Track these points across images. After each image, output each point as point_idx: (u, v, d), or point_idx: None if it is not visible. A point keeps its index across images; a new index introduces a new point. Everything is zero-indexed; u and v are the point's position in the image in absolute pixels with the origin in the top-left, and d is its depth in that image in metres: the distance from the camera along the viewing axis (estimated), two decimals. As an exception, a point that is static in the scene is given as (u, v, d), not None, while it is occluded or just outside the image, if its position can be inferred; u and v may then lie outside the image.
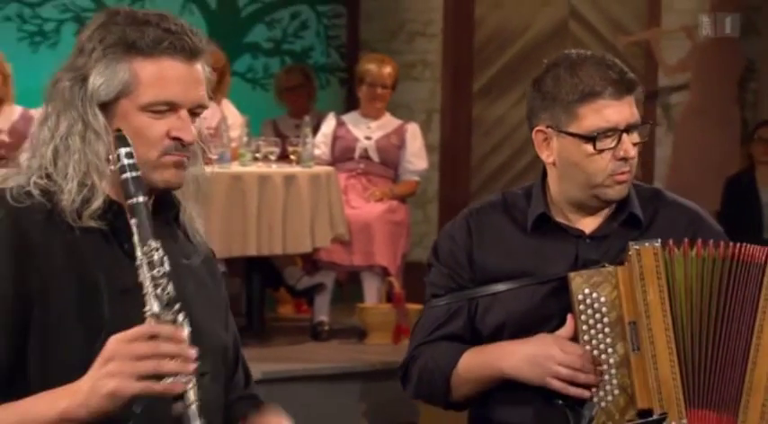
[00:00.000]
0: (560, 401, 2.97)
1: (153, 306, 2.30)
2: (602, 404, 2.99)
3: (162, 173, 2.44)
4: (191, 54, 2.43)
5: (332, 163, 7.26)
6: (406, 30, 9.48)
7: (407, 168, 7.50)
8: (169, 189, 2.50)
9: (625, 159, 2.96)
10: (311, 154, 7.04)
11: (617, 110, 2.96)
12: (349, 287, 7.70)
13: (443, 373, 3.08)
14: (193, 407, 2.28)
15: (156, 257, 2.33)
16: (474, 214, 3.24)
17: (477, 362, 3.06)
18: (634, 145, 2.98)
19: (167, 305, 2.32)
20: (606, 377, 2.97)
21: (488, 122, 9.47)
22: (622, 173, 2.99)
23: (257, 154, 6.97)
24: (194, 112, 2.43)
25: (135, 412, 2.32)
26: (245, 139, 7.19)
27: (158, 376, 2.23)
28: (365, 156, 7.42)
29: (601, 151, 2.95)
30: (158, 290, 2.31)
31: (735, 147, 8.48)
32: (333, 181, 6.88)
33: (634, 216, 3.08)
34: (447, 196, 9.20)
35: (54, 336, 2.41)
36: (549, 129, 3.01)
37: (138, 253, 2.33)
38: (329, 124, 7.55)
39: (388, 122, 7.55)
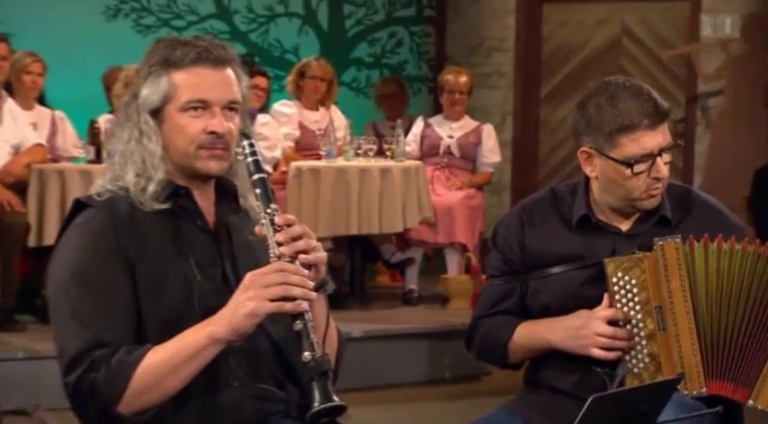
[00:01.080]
0: (599, 369, 2.92)
1: (274, 249, 2.40)
2: (634, 370, 2.91)
3: (202, 163, 2.49)
4: (217, 62, 2.49)
5: (420, 158, 7.28)
6: (485, 46, 9.42)
7: (483, 161, 7.51)
8: (211, 176, 2.54)
9: (659, 179, 2.92)
10: (403, 151, 7.10)
11: (652, 138, 2.88)
12: (435, 260, 7.68)
13: (501, 341, 3.03)
14: (310, 324, 2.37)
15: (276, 216, 2.43)
16: (526, 207, 3.16)
17: (529, 334, 3.00)
18: (666, 164, 2.92)
19: (277, 251, 2.39)
20: (638, 347, 2.91)
21: (553, 123, 9.37)
22: (656, 189, 2.94)
23: (359, 151, 7.03)
24: (230, 108, 2.50)
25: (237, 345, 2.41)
26: (348, 138, 7.23)
27: (286, 299, 2.34)
28: (448, 152, 7.44)
29: (637, 173, 2.89)
30: (277, 237, 2.40)
31: (763, 144, 8.33)
32: (421, 173, 6.94)
33: (665, 218, 3.00)
34: (518, 185, 9.14)
35: (157, 287, 2.43)
36: (592, 150, 2.94)
37: (263, 213, 2.43)
38: (418, 125, 7.57)
39: (467, 123, 7.55)
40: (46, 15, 8.12)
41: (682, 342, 2.88)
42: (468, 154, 7.50)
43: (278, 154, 7.08)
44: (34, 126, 6.77)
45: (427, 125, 7.61)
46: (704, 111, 8.79)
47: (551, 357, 2.99)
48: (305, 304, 2.36)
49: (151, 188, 2.46)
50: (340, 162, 7.00)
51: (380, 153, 7.15)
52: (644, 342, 2.89)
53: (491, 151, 7.56)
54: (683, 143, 8.85)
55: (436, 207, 7.05)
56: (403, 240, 7.26)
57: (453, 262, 7.27)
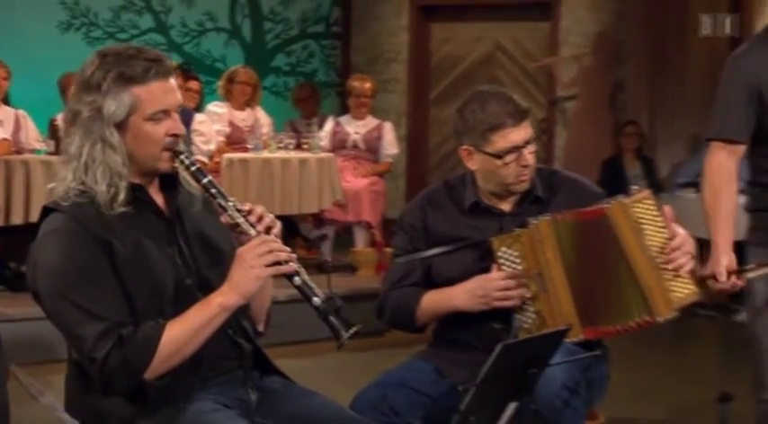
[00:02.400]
0: (496, 325, 2.94)
1: (250, 230, 2.40)
2: (524, 325, 2.92)
3: (164, 164, 2.44)
4: (168, 72, 2.41)
5: (332, 151, 7.27)
6: (383, 57, 9.43)
7: (384, 153, 7.53)
8: (168, 173, 2.48)
9: (525, 166, 2.95)
10: (318, 145, 7.13)
11: (517, 134, 2.92)
12: (344, 236, 7.71)
13: (410, 309, 3.02)
14: (305, 277, 2.38)
15: (237, 204, 2.42)
16: (426, 196, 3.17)
17: (435, 301, 3.00)
18: (530, 153, 2.96)
19: (255, 228, 2.40)
20: (525, 306, 2.93)
21: (440, 121, 9.36)
22: (525, 175, 2.97)
23: (280, 145, 7.05)
24: (177, 112, 2.44)
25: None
26: (272, 134, 7.25)
27: (278, 263, 2.34)
28: (355, 146, 7.44)
29: (507, 163, 2.92)
30: (250, 221, 2.41)
31: (607, 139, 8.48)
32: (333, 163, 6.96)
33: (538, 197, 3.03)
34: (411, 173, 9.20)
35: (135, 269, 2.37)
36: (471, 148, 2.97)
37: (227, 203, 2.41)
38: (329, 124, 7.56)
39: (371, 122, 7.56)
40: (8, 28, 7.94)
41: (560, 300, 2.89)
42: (372, 147, 7.51)
43: (213, 147, 7.04)
44: (0, 123, 6.64)
45: (337, 123, 7.60)
46: (562, 113, 8.90)
47: (455, 316, 2.98)
48: (295, 265, 2.37)
49: (121, 196, 2.38)
50: (265, 154, 6.99)
51: (298, 146, 7.16)
52: (529, 303, 2.90)
53: (390, 144, 7.59)
54: (545, 138, 9.02)
55: (346, 192, 7.06)
56: (318, 219, 7.29)
57: (360, 237, 7.31)
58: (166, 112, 2.41)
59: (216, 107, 7.46)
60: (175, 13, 9.16)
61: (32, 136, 6.81)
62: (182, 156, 2.43)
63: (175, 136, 2.42)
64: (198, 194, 2.54)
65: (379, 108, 8.11)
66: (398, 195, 8.97)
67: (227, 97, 7.41)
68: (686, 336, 6.28)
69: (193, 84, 7.25)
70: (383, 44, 9.50)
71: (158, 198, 2.51)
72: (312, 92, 8.54)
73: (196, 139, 6.83)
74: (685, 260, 2.84)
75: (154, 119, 2.40)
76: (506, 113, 2.92)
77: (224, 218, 2.46)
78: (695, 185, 7.41)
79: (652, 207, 2.89)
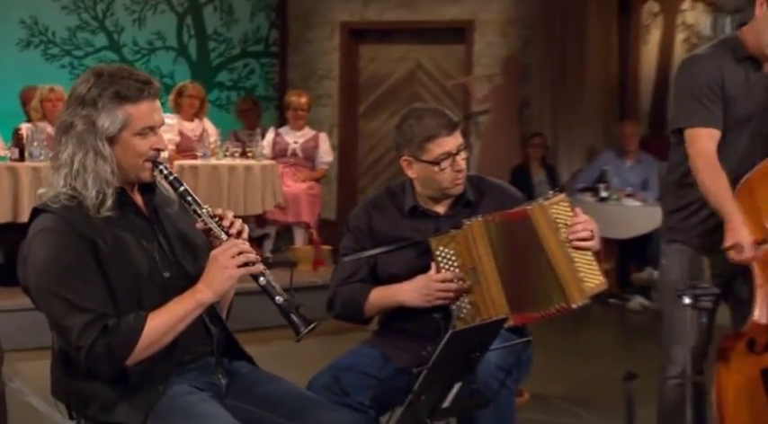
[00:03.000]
0: (435, 315, 2.94)
1: (221, 235, 2.41)
2: (461, 315, 2.92)
3: (145, 173, 2.43)
4: (156, 95, 2.43)
5: (273, 158, 7.23)
6: (317, 75, 9.40)
7: (320, 161, 7.52)
8: (148, 181, 2.47)
9: (459, 170, 2.97)
10: (261, 153, 7.08)
11: (450, 142, 2.93)
12: (284, 234, 7.67)
13: (359, 304, 3.01)
14: (270, 277, 2.41)
15: (210, 210, 2.45)
16: (371, 202, 3.17)
17: (382, 296, 3.00)
18: (462, 159, 2.97)
19: (227, 233, 2.42)
20: (461, 298, 2.93)
21: (368, 132, 9.43)
22: (459, 179, 2.99)
23: (227, 153, 6.99)
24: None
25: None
26: (219, 143, 7.17)
27: (248, 264, 2.36)
28: (294, 154, 7.41)
29: (443, 169, 2.94)
30: (222, 226, 2.43)
31: (516, 149, 8.49)
32: (274, 170, 6.93)
33: (468, 200, 3.04)
34: (342, 178, 9.17)
35: (118, 264, 2.36)
36: (410, 158, 2.98)
37: (201, 210, 2.43)
38: (270, 134, 7.53)
39: (307, 132, 7.53)
40: None
41: (492, 291, 2.91)
42: (309, 155, 7.50)
43: (165, 155, 6.90)
44: (-34, 133, 6.55)
45: (277, 134, 7.57)
46: (476, 125, 8.90)
47: (400, 308, 2.98)
48: (261, 266, 2.39)
49: (109, 202, 2.37)
50: (213, 161, 6.93)
51: (243, 154, 7.10)
52: (465, 295, 2.92)
53: (326, 153, 7.59)
54: (462, 149, 9.03)
55: (286, 195, 7.03)
56: (261, 219, 7.24)
57: (299, 236, 7.29)
58: (153, 129, 2.42)
59: (166, 118, 7.27)
60: (127, 32, 9.00)
61: (-3, 144, 6.66)
62: (161, 167, 2.44)
63: (158, 150, 2.43)
64: (174, 197, 2.54)
65: (314, 120, 8.09)
66: (331, 198, 8.99)
67: (177, 109, 7.31)
68: (584, 321, 6.38)
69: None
70: (316, 63, 9.47)
71: (138, 200, 2.50)
72: (253, 105, 8.50)
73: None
74: (588, 235, 2.88)
75: (142, 134, 2.39)
76: (440, 125, 2.93)
77: (199, 224, 2.47)
78: (592, 189, 7.58)
79: (567, 209, 2.94)
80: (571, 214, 2.94)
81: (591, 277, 2.90)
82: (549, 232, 2.91)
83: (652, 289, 7.26)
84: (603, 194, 7.29)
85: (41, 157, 6.22)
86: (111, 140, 2.37)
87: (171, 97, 7.43)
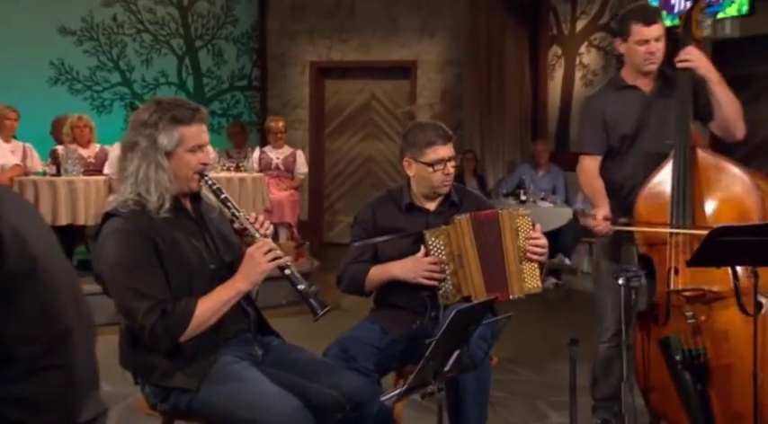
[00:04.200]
0: (423, 293, 2.92)
1: (255, 234, 2.42)
2: (446, 295, 2.90)
3: (194, 183, 2.43)
4: (203, 119, 2.42)
5: (260, 171, 7.12)
6: (291, 104, 9.32)
7: (298, 173, 7.46)
8: (196, 190, 2.47)
9: (448, 174, 2.95)
10: (251, 167, 6.96)
11: (444, 150, 2.92)
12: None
13: (361, 279, 2.98)
14: (294, 270, 2.41)
15: (245, 214, 2.46)
16: (375, 201, 3.13)
17: (380, 272, 2.97)
18: (452, 166, 2.95)
19: (259, 233, 2.43)
20: (447, 280, 2.91)
21: (332, 150, 9.38)
22: (447, 181, 2.96)
23: (224, 167, 6.87)
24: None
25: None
26: (216, 160, 6.93)
27: (276, 259, 2.37)
28: (277, 168, 7.34)
29: (436, 171, 2.92)
30: (255, 227, 2.43)
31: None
32: (262, 181, 6.78)
33: (453, 201, 3.03)
34: (312, 187, 9.06)
35: (174, 258, 2.35)
36: (411, 159, 2.96)
37: (239, 214, 2.44)
38: (257, 152, 7.41)
39: (287, 150, 7.47)
40: (11, 83, 7.48)
41: (472, 274, 2.91)
42: (289, 168, 7.43)
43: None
44: (13, 153, 6.41)
45: (262, 152, 7.47)
46: None
47: (393, 287, 2.96)
48: (287, 259, 2.39)
49: (167, 205, 2.37)
50: (212, 174, 6.72)
51: (236, 168, 6.95)
52: (449, 277, 2.91)
53: (302, 166, 7.52)
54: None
55: (272, 201, 6.92)
56: (251, 222, 7.13)
57: (283, 234, 7.17)
58: (201, 146, 2.41)
59: None
60: (137, 71, 8.85)
61: (36, 162, 6.56)
62: (206, 178, 2.44)
63: (205, 164, 2.41)
64: (215, 205, 2.54)
65: (289, 140, 8.01)
66: (304, 202, 8.89)
67: None
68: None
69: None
70: (290, 94, 9.40)
71: (188, 207, 2.49)
72: (241, 129, 8.38)
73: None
74: (540, 251, 2.92)
75: (192, 150, 2.39)
76: (438, 135, 2.92)
77: (236, 225, 2.47)
78: (514, 194, 7.63)
79: (528, 223, 2.95)
80: (531, 228, 2.94)
81: (531, 279, 2.93)
82: (509, 235, 2.93)
83: (561, 272, 7.39)
84: (523, 198, 7.34)
85: (74, 172, 6.13)
86: (169, 155, 2.36)
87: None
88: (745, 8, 6.24)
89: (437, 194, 3.01)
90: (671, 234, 3.04)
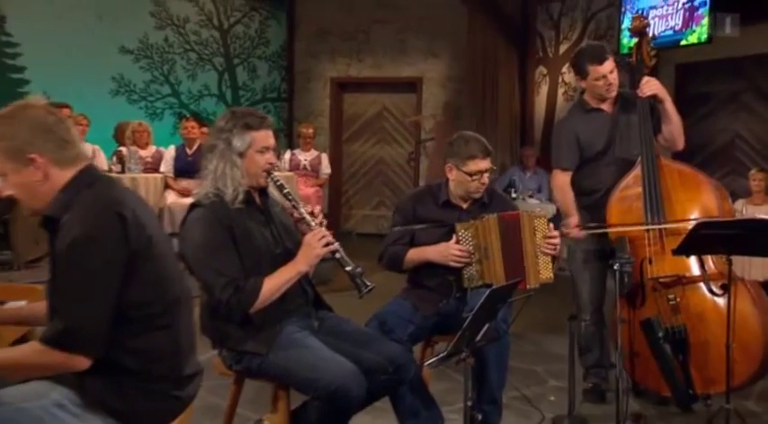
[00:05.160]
0: (450, 277, 2.89)
1: (312, 223, 2.40)
2: (470, 279, 2.87)
3: (262, 180, 2.42)
4: (270, 126, 2.42)
5: (291, 171, 7.13)
6: (314, 113, 9.28)
7: (323, 172, 7.43)
8: (263, 186, 2.45)
9: (483, 183, 2.91)
10: (283, 167, 6.95)
11: (483, 164, 2.88)
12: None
13: (400, 258, 2.95)
14: (343, 254, 2.38)
15: (305, 207, 2.44)
16: (414, 194, 3.10)
17: (416, 253, 2.94)
18: (487, 177, 2.91)
19: (315, 221, 2.41)
20: (472, 267, 2.88)
21: (349, 153, 9.36)
22: (481, 189, 2.93)
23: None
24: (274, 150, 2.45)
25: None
26: None
27: (328, 244, 2.34)
28: (305, 168, 7.31)
29: (474, 180, 2.89)
30: (311, 217, 2.42)
31: None
32: (293, 179, 6.76)
33: (483, 202, 2.98)
34: (332, 183, 8.94)
35: (246, 243, 2.34)
36: (453, 166, 2.92)
37: (298, 205, 2.43)
38: (287, 154, 7.39)
39: (313, 153, 7.44)
40: (79, 95, 7.36)
41: (495, 264, 2.89)
42: (315, 168, 7.40)
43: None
44: (86, 154, 6.44)
45: (293, 154, 7.44)
46: (424, 149, 8.89)
47: (424, 270, 2.94)
48: (337, 245, 2.38)
49: (240, 197, 2.37)
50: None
51: (271, 168, 7.00)
52: (474, 265, 2.89)
53: (326, 167, 7.48)
54: (414, 164, 9.03)
55: (301, 196, 6.86)
56: (284, 214, 7.15)
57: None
58: (268, 149, 2.41)
59: None
60: (184, 84, 8.83)
61: (102, 161, 6.50)
62: (272, 175, 2.44)
63: (271, 164, 2.42)
64: (278, 199, 2.54)
65: (315, 144, 8.05)
66: (324, 197, 8.89)
67: None
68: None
69: (204, 129, 7.04)
70: (314, 105, 9.38)
71: (257, 200, 2.48)
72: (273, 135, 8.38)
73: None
74: (554, 245, 2.92)
75: (261, 151, 2.40)
76: (479, 150, 2.89)
77: (295, 214, 2.48)
78: (505, 192, 7.59)
79: (545, 223, 2.94)
80: (547, 228, 2.92)
81: (544, 271, 2.91)
82: (528, 234, 2.91)
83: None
84: (513, 195, 7.32)
85: (136, 170, 6.14)
86: (241, 155, 2.37)
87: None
88: (704, 37, 6.29)
89: (471, 198, 2.98)
90: (647, 230, 3.07)
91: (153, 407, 1.83)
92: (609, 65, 3.26)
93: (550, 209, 7.26)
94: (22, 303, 2.36)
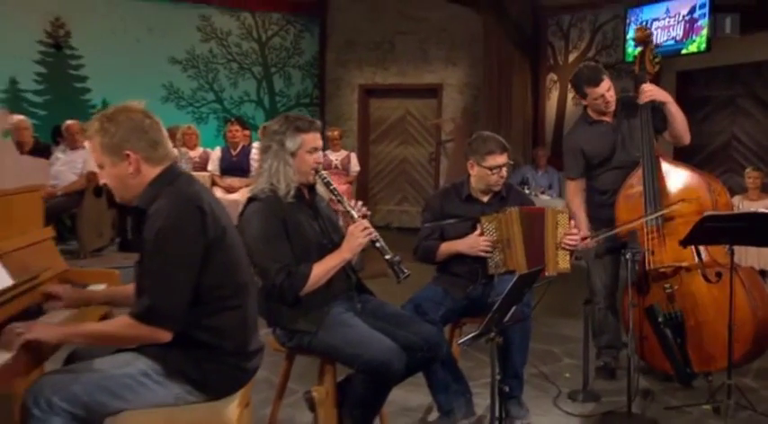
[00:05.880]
0: (477, 265, 2.90)
1: (355, 216, 2.44)
2: (494, 266, 2.87)
3: (311, 177, 2.45)
4: (318, 129, 2.45)
5: (324, 169, 7.18)
6: (344, 117, 9.29)
7: (352, 170, 7.43)
8: (312, 183, 2.48)
9: (501, 177, 2.92)
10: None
11: (500, 158, 2.89)
12: None
13: (433, 252, 2.96)
14: (383, 244, 2.40)
15: (348, 202, 2.46)
16: (440, 193, 3.12)
17: (448, 247, 2.95)
18: (505, 170, 2.91)
19: (358, 215, 2.44)
20: (496, 255, 2.89)
21: (375, 153, 9.35)
22: (499, 182, 2.94)
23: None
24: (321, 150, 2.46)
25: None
26: None
27: (369, 235, 2.40)
28: (336, 167, 7.32)
29: (493, 174, 2.91)
30: (354, 209, 2.46)
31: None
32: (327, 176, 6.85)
33: (501, 195, 2.98)
34: (359, 181, 8.89)
35: (297, 234, 2.37)
36: (474, 162, 2.93)
37: (343, 200, 2.46)
38: (320, 155, 7.46)
39: (343, 153, 7.45)
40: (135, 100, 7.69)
41: (517, 253, 2.89)
42: (345, 167, 7.40)
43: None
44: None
45: (324, 154, 7.21)
46: (444, 149, 8.86)
47: (453, 259, 2.95)
48: (377, 235, 2.42)
49: (292, 192, 2.40)
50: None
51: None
52: (498, 253, 2.90)
53: (355, 165, 7.47)
54: (435, 163, 8.99)
55: (333, 193, 6.95)
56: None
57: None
58: (316, 149, 2.44)
59: (259, 144, 7.30)
60: (227, 91, 8.92)
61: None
62: (320, 173, 2.47)
63: (319, 163, 2.45)
64: (324, 195, 2.57)
65: (344, 145, 8.08)
66: (353, 194, 8.95)
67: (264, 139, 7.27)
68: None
69: (246, 131, 7.13)
70: (343, 110, 9.39)
71: (306, 195, 2.51)
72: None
73: (254, 162, 6.66)
74: (573, 241, 2.93)
75: (310, 152, 2.43)
76: (497, 146, 2.91)
77: (340, 208, 2.52)
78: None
79: (566, 219, 2.93)
80: (568, 225, 2.92)
81: (563, 262, 2.91)
82: (550, 228, 2.91)
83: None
84: (526, 191, 7.35)
85: (186, 170, 6.09)
86: (293, 155, 2.40)
87: (260, 131, 7.30)
88: (703, 46, 6.28)
89: (491, 191, 3.00)
90: (646, 223, 3.10)
91: (224, 377, 1.89)
92: (605, 84, 3.25)
93: (560, 203, 7.29)
94: (102, 286, 2.45)
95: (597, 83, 3.23)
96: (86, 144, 6.34)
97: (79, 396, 1.76)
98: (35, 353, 1.81)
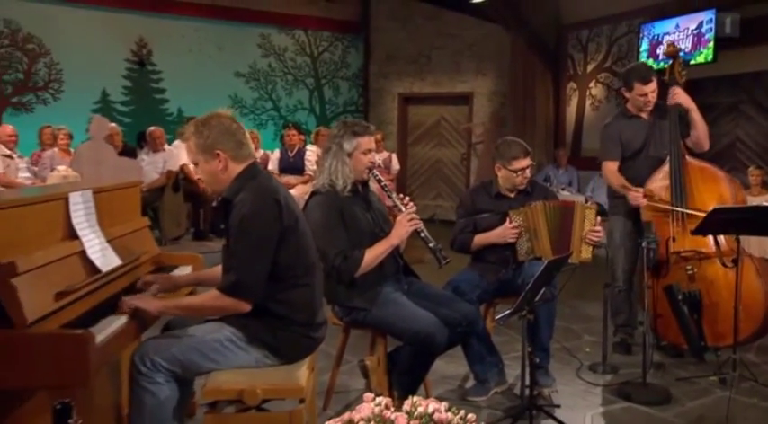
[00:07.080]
0: (507, 252, 2.88)
1: (402, 208, 2.41)
2: (523, 253, 2.84)
3: (366, 175, 2.45)
4: (372, 133, 2.43)
5: None
6: (384, 121, 9.29)
7: (393, 168, 7.38)
8: (366, 179, 2.47)
9: (525, 178, 2.90)
10: None
11: (525, 162, 2.87)
12: None
13: (468, 243, 2.94)
14: (427, 233, 2.38)
15: (396, 196, 2.45)
16: (472, 190, 3.09)
17: (481, 238, 2.93)
18: (529, 172, 2.90)
19: (406, 208, 2.42)
20: (524, 243, 2.87)
21: (413, 154, 9.32)
22: (524, 183, 2.91)
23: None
24: (374, 151, 2.42)
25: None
26: None
27: (415, 224, 2.37)
28: (378, 166, 7.03)
29: (518, 176, 2.89)
30: (402, 203, 2.44)
31: None
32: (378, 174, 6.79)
33: (527, 191, 2.95)
34: (398, 179, 8.82)
35: (353, 223, 2.36)
36: (501, 166, 2.91)
37: (391, 194, 2.43)
38: (374, 156, 7.40)
39: (385, 153, 7.40)
40: (206, 109, 7.80)
41: (543, 243, 2.86)
42: (387, 166, 7.35)
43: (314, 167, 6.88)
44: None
45: (369, 155, 7.51)
46: (475, 151, 8.80)
47: (486, 248, 2.94)
48: (421, 224, 2.41)
49: (348, 188, 2.41)
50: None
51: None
52: (526, 241, 2.88)
53: (396, 164, 7.43)
54: (466, 164, 8.92)
55: (375, 190, 6.84)
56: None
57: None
58: (370, 151, 2.44)
59: (312, 146, 7.19)
60: (283, 100, 9.04)
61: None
62: (373, 172, 2.48)
63: (372, 162, 2.45)
64: (376, 191, 2.57)
65: (386, 147, 8.10)
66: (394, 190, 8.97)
67: (316, 142, 7.12)
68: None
69: (301, 135, 7.20)
70: (385, 116, 9.40)
71: (360, 190, 2.51)
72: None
73: (308, 163, 6.67)
74: (597, 238, 2.88)
75: (364, 153, 2.43)
76: (520, 151, 2.88)
77: (389, 202, 2.52)
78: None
79: (593, 215, 2.89)
80: (594, 221, 2.86)
81: (585, 252, 2.88)
82: (578, 221, 2.88)
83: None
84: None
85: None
86: (350, 155, 2.40)
87: (312, 135, 7.36)
88: (710, 57, 6.19)
89: (517, 189, 2.99)
90: (672, 211, 3.05)
91: (295, 344, 1.95)
92: (652, 85, 3.21)
93: (580, 199, 7.19)
94: (188, 268, 2.51)
95: (647, 81, 3.18)
96: (166, 147, 6.48)
97: (177, 356, 1.85)
98: (140, 321, 1.91)
